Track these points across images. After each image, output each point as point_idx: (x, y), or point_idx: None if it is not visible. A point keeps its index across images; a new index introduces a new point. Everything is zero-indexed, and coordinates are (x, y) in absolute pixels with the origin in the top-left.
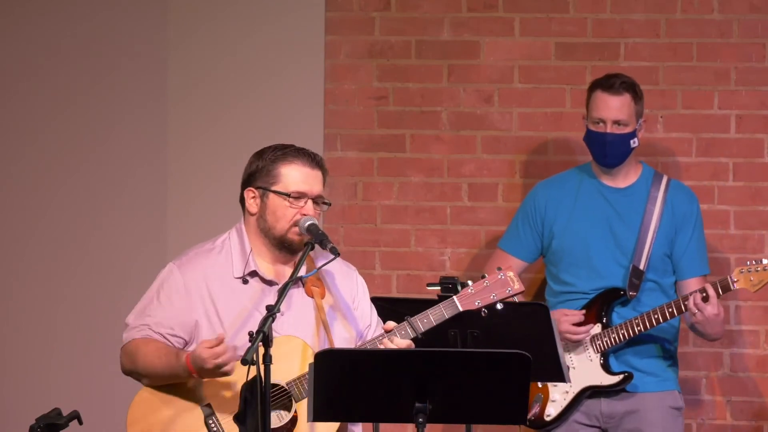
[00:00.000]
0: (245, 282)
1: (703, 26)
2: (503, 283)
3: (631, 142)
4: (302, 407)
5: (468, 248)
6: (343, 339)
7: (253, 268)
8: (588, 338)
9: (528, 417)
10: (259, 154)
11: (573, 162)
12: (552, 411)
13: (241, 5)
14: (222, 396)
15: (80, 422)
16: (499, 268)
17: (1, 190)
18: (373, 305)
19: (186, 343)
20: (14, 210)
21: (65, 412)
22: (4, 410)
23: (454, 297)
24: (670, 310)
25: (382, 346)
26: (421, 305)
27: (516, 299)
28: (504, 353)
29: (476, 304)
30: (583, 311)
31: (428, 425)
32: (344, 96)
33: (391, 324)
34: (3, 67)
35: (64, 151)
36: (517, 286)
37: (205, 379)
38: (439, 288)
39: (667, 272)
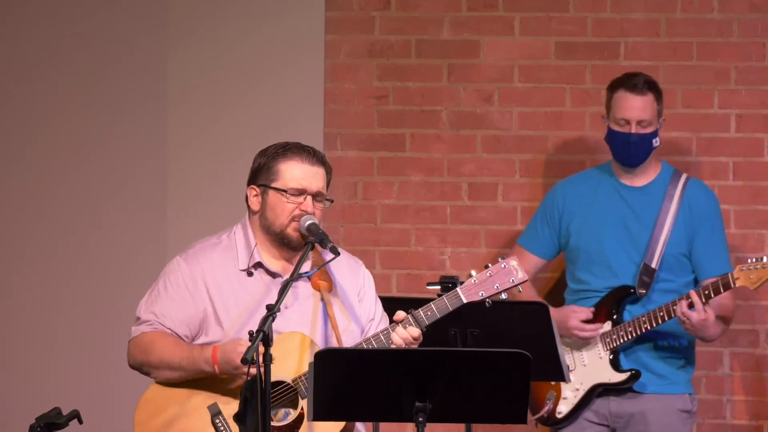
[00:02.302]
0: (250, 275)
1: (703, 26)
2: (507, 272)
3: (654, 141)
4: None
5: (468, 248)
6: (348, 333)
7: (258, 260)
8: (599, 336)
9: (540, 415)
10: (262, 152)
11: (572, 161)
12: (563, 408)
13: (241, 5)
14: (229, 395)
15: (80, 422)
16: (502, 257)
17: (1, 190)
18: (378, 299)
19: (192, 340)
20: (14, 210)
21: (65, 412)
22: (4, 410)
23: (458, 288)
24: (662, 314)
25: (394, 334)
26: (421, 305)
27: (520, 289)
28: (504, 353)
29: (480, 295)
30: (593, 308)
31: (428, 425)
32: (344, 95)
33: (401, 314)
34: (3, 67)
35: (64, 151)
36: (521, 275)
37: (212, 378)
38: (439, 287)
39: (684, 272)
